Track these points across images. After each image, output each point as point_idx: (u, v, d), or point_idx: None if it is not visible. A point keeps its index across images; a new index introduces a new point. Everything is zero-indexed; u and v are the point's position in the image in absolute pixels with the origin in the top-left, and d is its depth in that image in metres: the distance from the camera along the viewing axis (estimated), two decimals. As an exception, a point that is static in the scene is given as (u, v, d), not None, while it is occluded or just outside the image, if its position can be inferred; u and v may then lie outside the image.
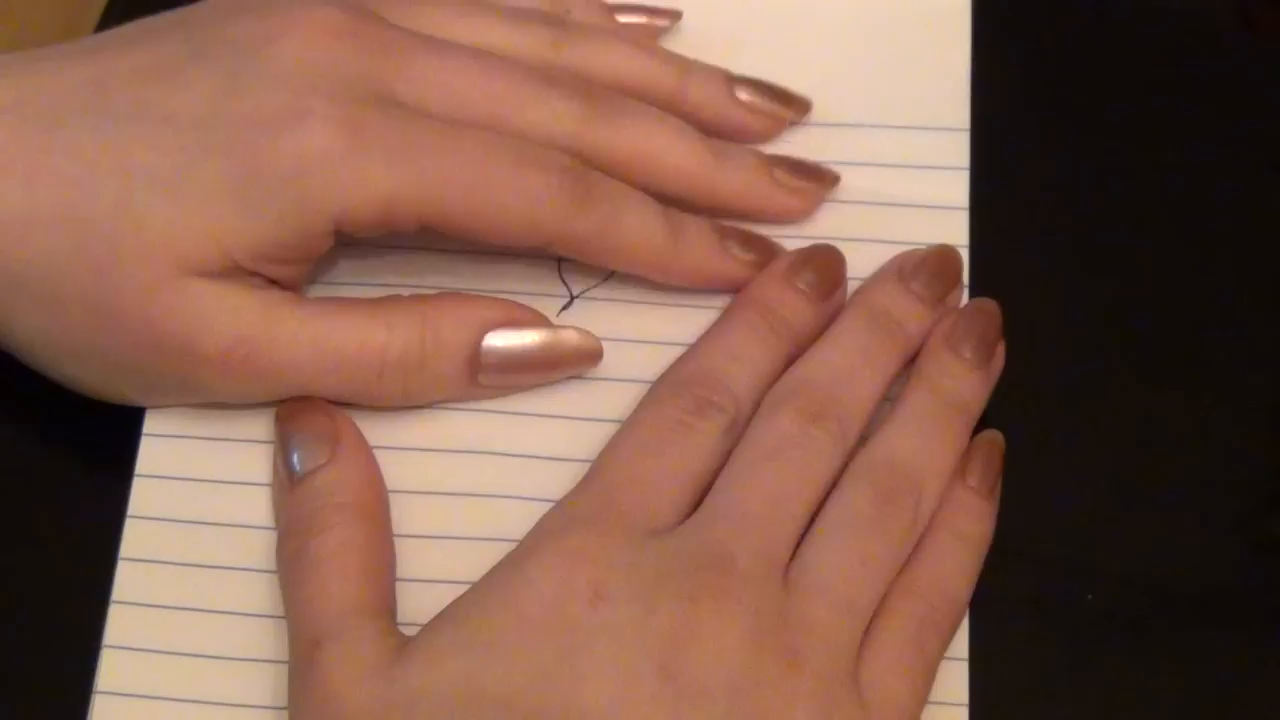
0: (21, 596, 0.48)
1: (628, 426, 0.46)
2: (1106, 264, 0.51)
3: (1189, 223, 0.52)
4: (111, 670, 0.46)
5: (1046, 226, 0.51)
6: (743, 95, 0.51)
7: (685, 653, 0.42)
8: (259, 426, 0.48)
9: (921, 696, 0.44)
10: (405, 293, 0.49)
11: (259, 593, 0.46)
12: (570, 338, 0.48)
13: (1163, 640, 0.47)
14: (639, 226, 0.48)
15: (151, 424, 0.48)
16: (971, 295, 0.49)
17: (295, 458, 0.46)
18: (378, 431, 0.48)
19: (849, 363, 0.47)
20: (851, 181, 0.51)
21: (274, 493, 0.47)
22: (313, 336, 0.46)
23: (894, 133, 0.52)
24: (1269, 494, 0.48)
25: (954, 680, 0.45)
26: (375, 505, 0.46)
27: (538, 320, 0.48)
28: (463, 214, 0.46)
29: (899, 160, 0.51)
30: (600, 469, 0.46)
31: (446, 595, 0.44)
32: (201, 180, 0.45)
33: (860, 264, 0.50)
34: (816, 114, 0.52)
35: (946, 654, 0.45)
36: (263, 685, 0.46)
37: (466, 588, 0.44)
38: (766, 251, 0.49)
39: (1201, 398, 0.49)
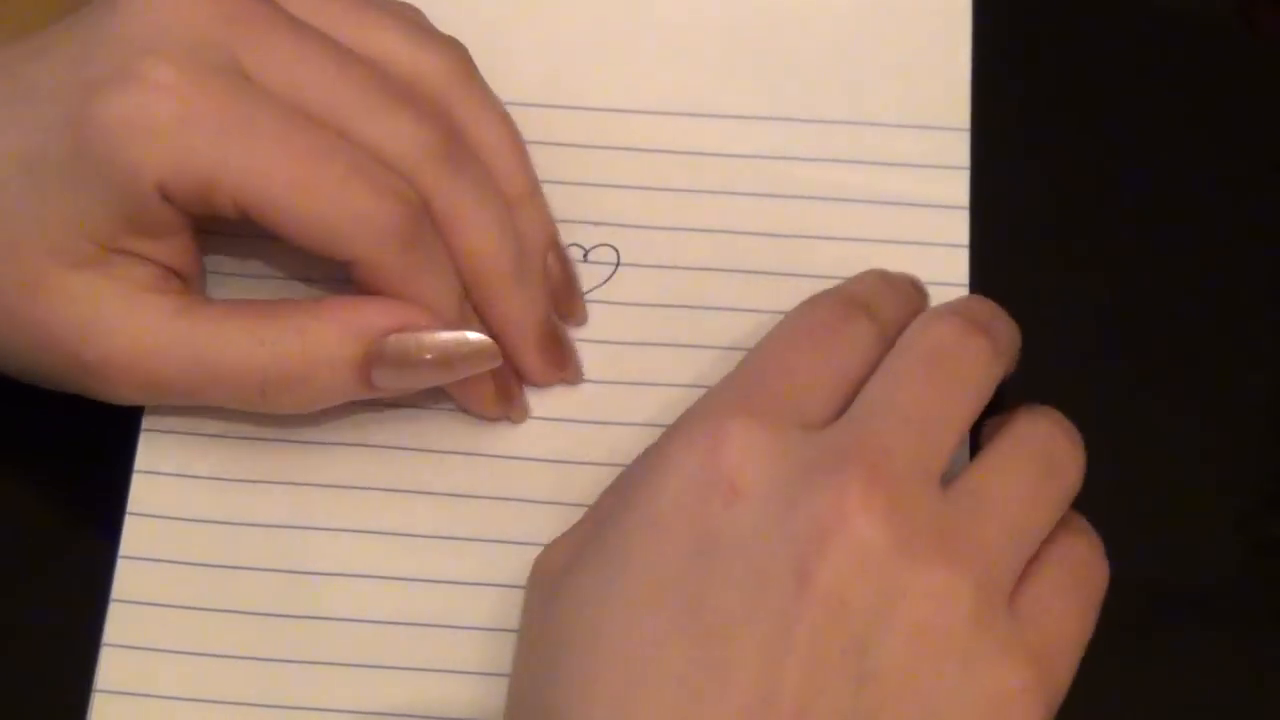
0: (22, 596, 0.48)
1: (777, 327, 0.45)
2: (1106, 264, 0.51)
3: (1189, 222, 0.52)
4: (111, 669, 0.46)
5: (1046, 226, 0.51)
6: (551, 258, 0.49)
7: (824, 556, 0.39)
8: (260, 424, 0.48)
9: (1083, 637, 0.42)
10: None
11: (259, 591, 0.47)
12: (462, 340, 0.46)
13: (1163, 640, 0.47)
14: (445, 292, 0.46)
15: (151, 420, 0.48)
16: (971, 294, 0.49)
17: None
18: (374, 430, 0.48)
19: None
20: (851, 180, 0.51)
21: None
22: (193, 353, 0.45)
23: (894, 131, 0.52)
24: (1269, 494, 0.48)
25: None
26: None
27: (428, 321, 0.46)
28: (280, 212, 0.44)
29: (899, 159, 0.51)
30: (748, 361, 0.44)
31: (454, 595, 0.45)
32: (56, 160, 0.44)
33: (859, 263, 0.49)
34: (816, 112, 0.52)
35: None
36: (262, 683, 0.46)
37: (470, 589, 0.45)
38: (565, 353, 0.49)
39: (1201, 398, 0.49)
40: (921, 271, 0.49)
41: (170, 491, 0.48)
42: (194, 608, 0.46)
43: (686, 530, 0.40)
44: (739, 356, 0.48)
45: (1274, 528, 0.48)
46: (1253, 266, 0.51)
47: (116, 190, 0.44)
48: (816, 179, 0.51)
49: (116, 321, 0.45)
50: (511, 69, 0.52)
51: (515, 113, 0.50)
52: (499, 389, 0.48)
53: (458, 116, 0.47)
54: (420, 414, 0.48)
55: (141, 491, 0.48)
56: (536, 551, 0.45)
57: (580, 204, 0.51)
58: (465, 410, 0.48)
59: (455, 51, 0.48)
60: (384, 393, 0.46)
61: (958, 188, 0.51)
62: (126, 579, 0.47)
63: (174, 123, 0.43)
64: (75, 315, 0.45)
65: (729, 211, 0.51)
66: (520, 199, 0.48)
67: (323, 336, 0.45)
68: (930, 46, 0.53)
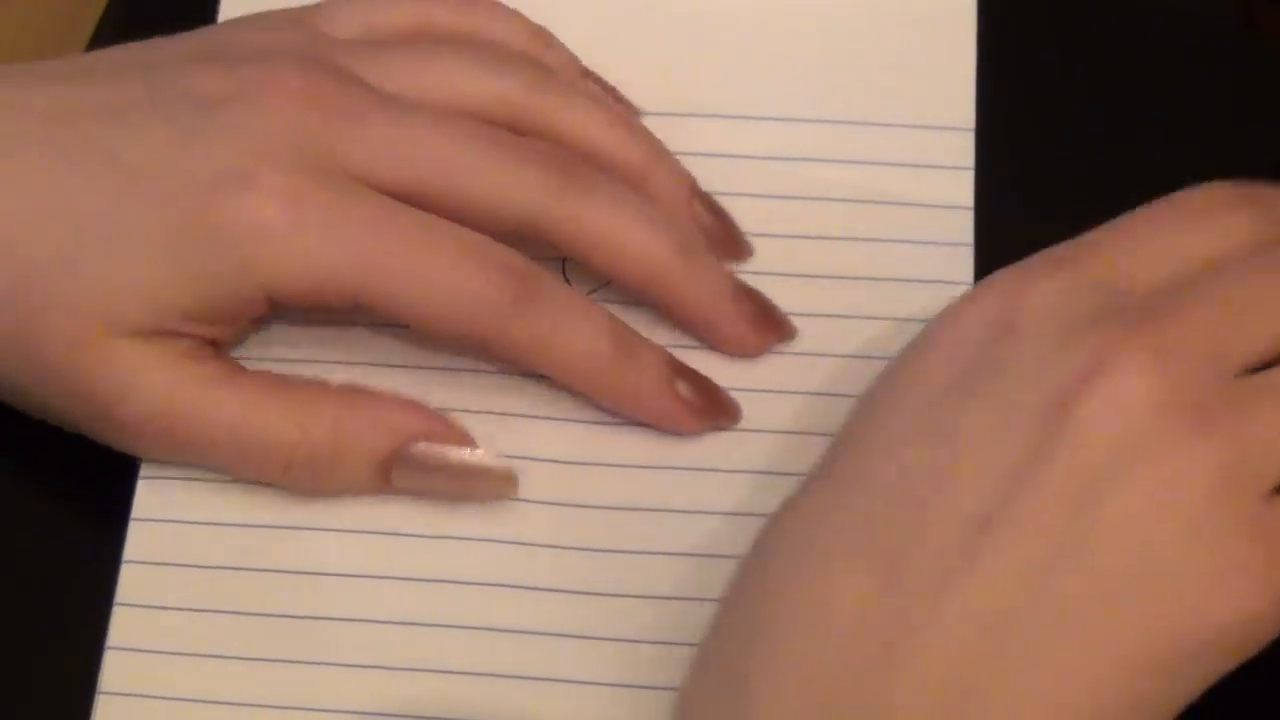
0: (25, 598, 0.48)
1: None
2: None
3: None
4: (115, 671, 0.46)
5: (1050, 225, 0.51)
6: (697, 208, 0.50)
7: (1081, 395, 0.39)
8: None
9: None
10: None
11: (262, 592, 0.47)
12: (486, 462, 0.47)
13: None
14: (581, 343, 0.46)
15: None
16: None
17: None
18: None
19: None
20: (855, 180, 0.51)
21: None
22: (228, 422, 0.46)
23: (898, 131, 0.52)
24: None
25: None
26: None
27: (456, 436, 0.47)
28: (396, 301, 0.45)
29: (903, 159, 0.51)
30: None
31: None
32: (140, 234, 0.44)
33: (862, 264, 0.50)
34: (819, 112, 0.52)
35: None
36: (267, 684, 0.46)
37: (475, 588, 0.45)
38: (714, 401, 0.48)
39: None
40: (925, 271, 0.50)
41: (174, 494, 0.48)
42: (198, 609, 0.47)
43: (959, 360, 0.41)
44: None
45: None
46: None
47: (223, 286, 0.45)
48: (819, 179, 0.51)
49: (156, 386, 0.45)
50: None
51: None
52: (703, 401, 0.48)
53: (553, 123, 0.48)
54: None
55: (146, 495, 0.48)
56: (540, 551, 0.46)
57: None
58: (672, 430, 0.48)
59: (523, 63, 0.49)
60: (398, 491, 0.47)
61: (962, 187, 0.51)
62: (130, 582, 0.47)
63: (287, 229, 0.44)
64: (115, 375, 0.45)
65: (734, 211, 0.50)
66: (645, 167, 0.49)
67: (355, 431, 0.46)
68: (934, 46, 0.53)
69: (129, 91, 0.46)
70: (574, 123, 0.48)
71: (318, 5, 0.50)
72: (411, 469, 0.46)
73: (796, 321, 0.49)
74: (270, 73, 0.46)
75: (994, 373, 0.41)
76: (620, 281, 0.48)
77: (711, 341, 0.49)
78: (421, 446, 0.46)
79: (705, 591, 0.46)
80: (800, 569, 0.40)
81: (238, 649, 0.46)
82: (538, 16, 0.52)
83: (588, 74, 0.51)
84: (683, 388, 0.48)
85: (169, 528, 0.47)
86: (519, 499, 0.47)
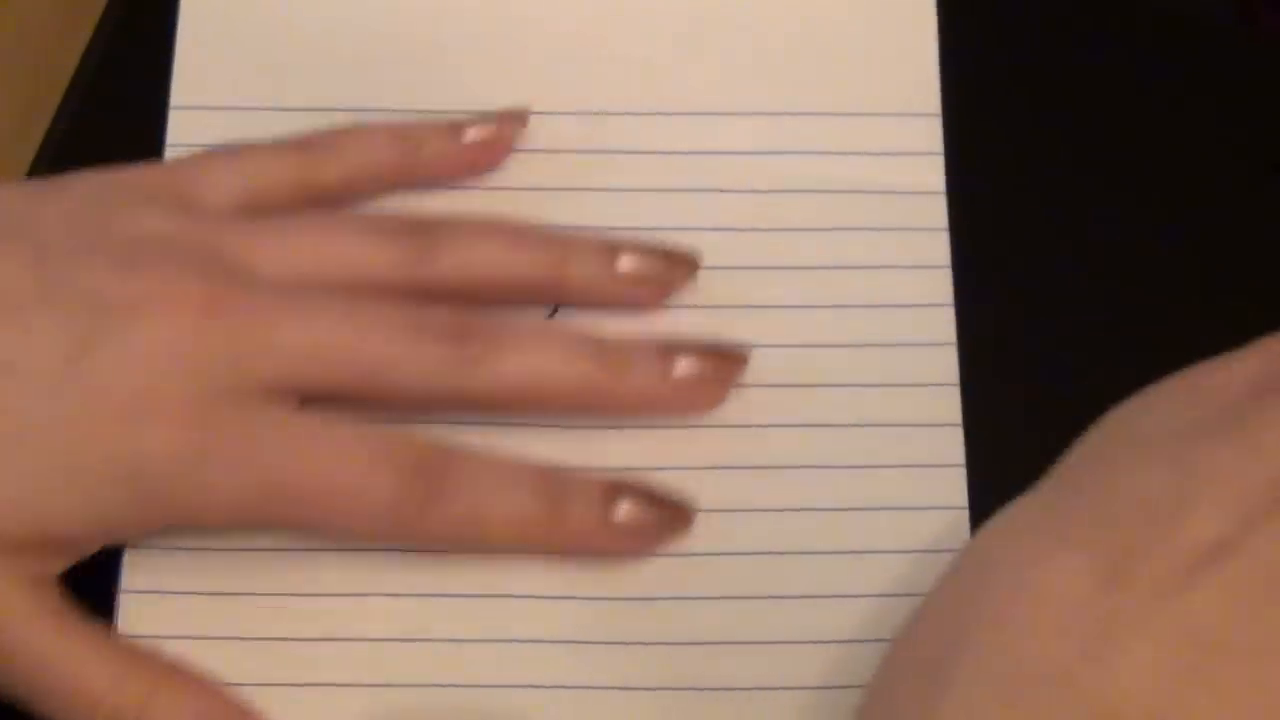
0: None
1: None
2: (1107, 263, 0.51)
3: (1188, 222, 0.52)
4: (136, 562, 0.46)
5: (1026, 209, 0.52)
6: (626, 266, 0.49)
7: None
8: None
9: None
10: None
11: (268, 574, 0.47)
12: None
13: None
14: (505, 511, 0.45)
15: None
16: (955, 282, 0.50)
17: None
18: None
19: None
20: (825, 170, 0.51)
21: None
22: (45, 654, 0.44)
23: (864, 120, 0.52)
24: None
25: None
26: None
27: None
28: (309, 521, 0.45)
29: (871, 148, 0.51)
30: None
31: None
32: (30, 447, 0.43)
33: (838, 252, 0.50)
34: (786, 105, 0.52)
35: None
36: (273, 664, 0.46)
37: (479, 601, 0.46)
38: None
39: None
40: (903, 257, 0.50)
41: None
42: (204, 593, 0.46)
43: (1218, 404, 0.42)
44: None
45: None
46: (1252, 266, 0.51)
47: (118, 513, 0.43)
48: (790, 172, 0.51)
49: None
50: (505, 76, 0.52)
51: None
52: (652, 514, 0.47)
53: (453, 273, 0.47)
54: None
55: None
56: (546, 563, 0.46)
57: (562, 208, 0.51)
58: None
59: (411, 225, 0.48)
60: None
61: (933, 173, 0.51)
62: (134, 567, 0.47)
63: (192, 461, 0.43)
64: None
65: (708, 208, 0.51)
66: (559, 267, 0.48)
67: (164, 707, 0.44)
68: (896, 32, 0.53)
69: (18, 283, 0.44)
70: (472, 266, 0.47)
71: (196, 166, 0.48)
72: None
73: (777, 314, 0.50)
74: (170, 285, 0.44)
75: (1251, 423, 0.41)
76: (554, 414, 0.47)
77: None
78: None
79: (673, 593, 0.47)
80: (1019, 555, 0.40)
81: (239, 675, 0.46)
82: (517, 23, 0.53)
83: (452, 131, 0.50)
84: (622, 511, 0.46)
85: (167, 556, 0.47)
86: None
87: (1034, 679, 0.38)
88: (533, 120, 0.51)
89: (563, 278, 0.48)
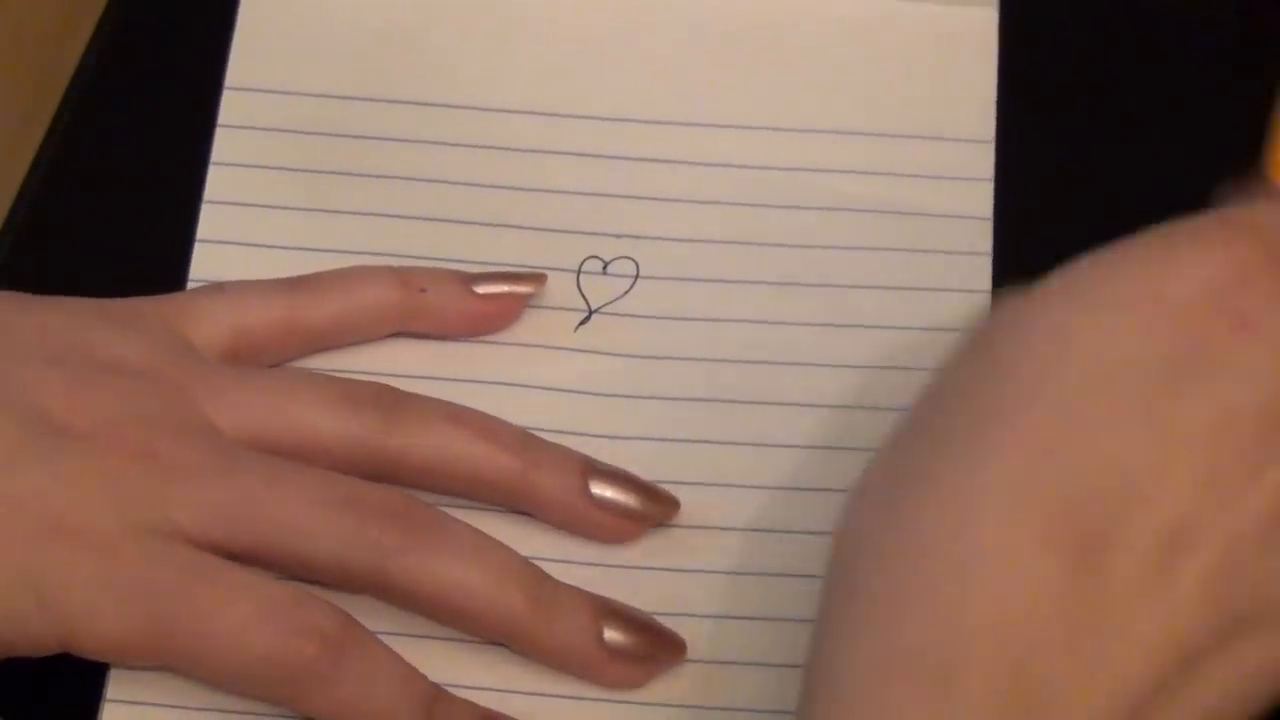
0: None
1: None
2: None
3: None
4: (121, 678, 0.46)
5: (1065, 229, 0.51)
6: (599, 492, 0.47)
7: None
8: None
9: None
10: None
11: None
12: None
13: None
14: (386, 701, 0.44)
15: None
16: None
17: None
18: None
19: None
20: (875, 191, 0.51)
21: None
22: None
23: (918, 143, 0.52)
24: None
25: None
26: None
27: None
28: (194, 668, 0.44)
29: (922, 171, 0.51)
30: None
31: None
32: None
33: (882, 274, 0.50)
34: (838, 123, 0.52)
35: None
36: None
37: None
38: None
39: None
40: (944, 280, 0.50)
41: None
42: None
43: (1171, 339, 0.38)
44: (760, 370, 0.49)
45: None
46: None
47: (15, 623, 0.43)
48: (838, 190, 0.51)
49: None
50: (528, 78, 0.52)
51: (532, 122, 0.51)
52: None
53: (411, 458, 0.46)
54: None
55: None
56: (551, 565, 0.46)
57: (600, 215, 0.51)
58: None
59: (381, 399, 0.47)
60: None
61: (982, 199, 0.51)
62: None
63: (90, 583, 0.43)
64: None
65: (750, 223, 0.50)
66: (523, 473, 0.46)
67: None
68: (956, 57, 0.52)
69: None
70: (433, 451, 0.46)
71: (188, 301, 0.48)
72: None
73: (816, 332, 0.49)
74: (113, 424, 0.45)
75: (1220, 368, 0.38)
76: (472, 633, 0.46)
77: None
78: None
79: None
80: (978, 541, 0.37)
81: None
82: (558, 26, 0.53)
83: (461, 281, 0.50)
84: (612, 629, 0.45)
85: None
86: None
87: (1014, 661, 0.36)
88: (574, 125, 0.52)
89: (528, 484, 0.46)
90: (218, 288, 0.49)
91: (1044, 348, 0.38)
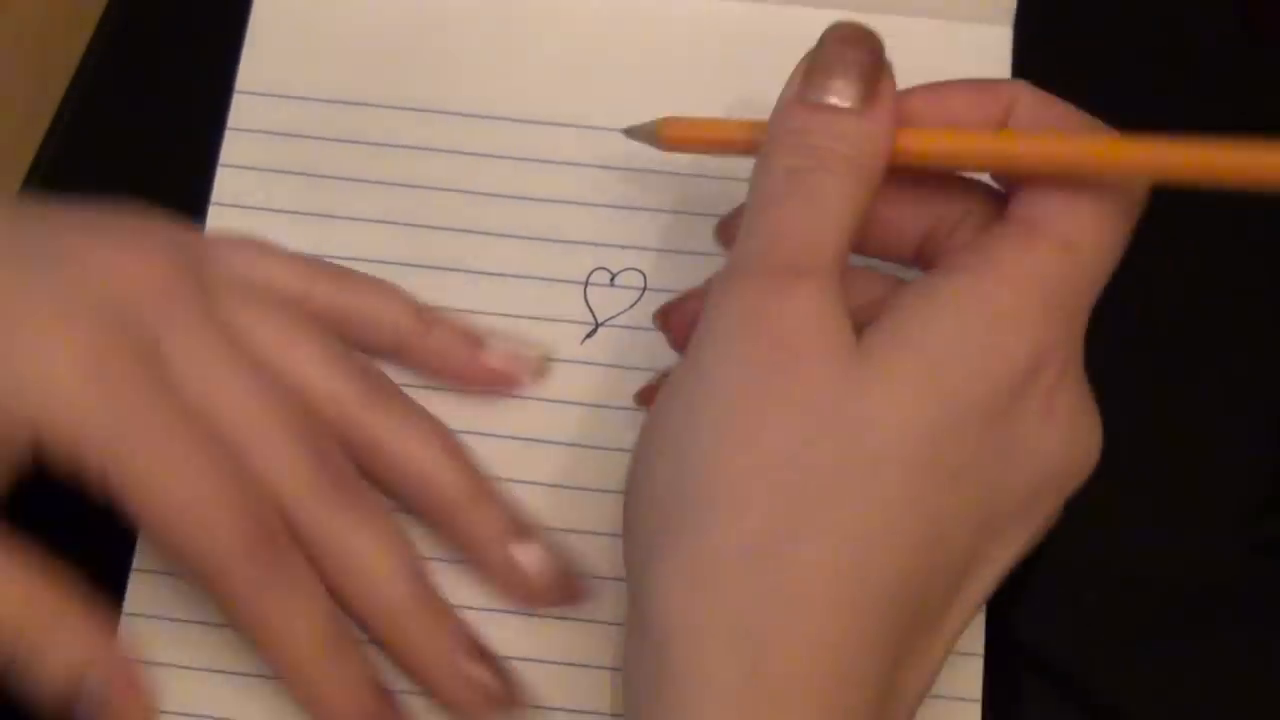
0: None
1: None
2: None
3: (1188, 223, 0.51)
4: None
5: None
6: (522, 556, 0.47)
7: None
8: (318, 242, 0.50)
9: None
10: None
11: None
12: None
13: (1163, 640, 0.47)
14: (300, 626, 0.44)
15: None
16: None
17: (831, 84, 0.43)
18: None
19: None
20: None
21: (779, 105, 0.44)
22: None
23: None
24: (1269, 494, 0.49)
25: (968, 675, 0.46)
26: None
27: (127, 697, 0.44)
28: (136, 496, 0.43)
29: None
30: None
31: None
32: None
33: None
34: None
35: (962, 649, 0.44)
36: (274, 700, 0.46)
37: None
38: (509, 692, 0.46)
39: (1202, 398, 0.50)
40: None
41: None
42: (207, 623, 0.46)
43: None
44: None
45: (1274, 528, 0.48)
46: (1253, 267, 0.51)
47: None
48: None
49: None
50: (536, 86, 0.52)
51: (540, 132, 0.51)
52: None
53: (378, 439, 0.46)
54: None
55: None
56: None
57: (608, 226, 0.51)
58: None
59: (370, 378, 0.47)
60: None
61: None
62: (138, 593, 0.47)
63: (71, 376, 0.43)
64: None
65: None
66: (464, 499, 0.47)
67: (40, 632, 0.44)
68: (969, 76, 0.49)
69: None
70: (398, 443, 0.46)
71: (211, 238, 0.49)
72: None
73: None
74: (141, 253, 0.45)
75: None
76: (411, 503, 0.47)
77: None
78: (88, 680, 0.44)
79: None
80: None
81: (246, 664, 0.46)
82: (567, 37, 0.53)
83: (473, 343, 0.49)
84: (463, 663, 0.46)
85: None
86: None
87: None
88: (581, 136, 0.52)
89: (461, 509, 0.47)
90: (246, 239, 0.49)
91: None
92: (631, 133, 0.47)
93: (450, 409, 0.48)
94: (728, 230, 0.46)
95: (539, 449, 0.48)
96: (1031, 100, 0.44)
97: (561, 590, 0.47)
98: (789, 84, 0.44)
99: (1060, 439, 0.42)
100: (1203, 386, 0.50)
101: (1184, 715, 0.47)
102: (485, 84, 0.52)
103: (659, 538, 0.40)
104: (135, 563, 0.47)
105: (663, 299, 0.49)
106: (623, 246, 0.51)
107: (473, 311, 0.49)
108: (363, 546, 0.45)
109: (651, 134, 0.47)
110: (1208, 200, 0.51)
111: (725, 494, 0.40)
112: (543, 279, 0.50)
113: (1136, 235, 0.51)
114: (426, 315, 0.49)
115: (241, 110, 0.52)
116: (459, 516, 0.46)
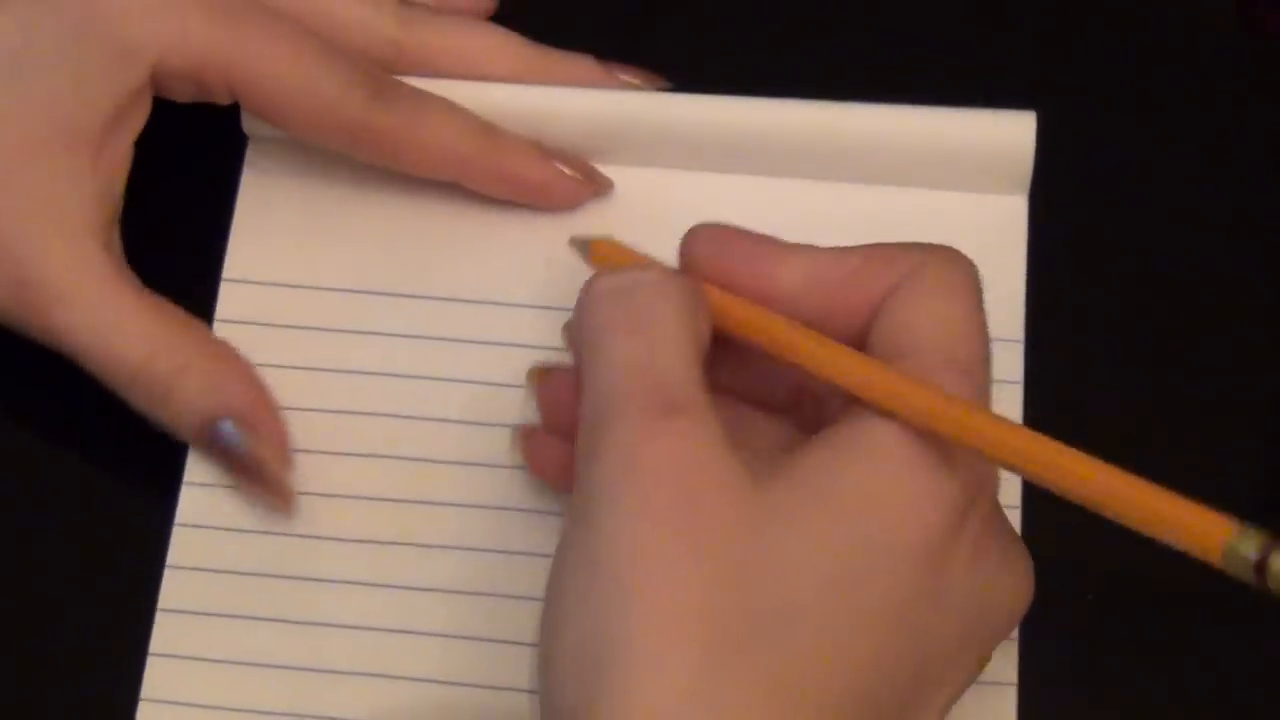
0: (69, 602, 0.49)
1: None
2: (1104, 264, 0.51)
3: (1187, 223, 0.52)
4: (156, 679, 0.47)
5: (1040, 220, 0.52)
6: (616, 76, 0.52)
7: None
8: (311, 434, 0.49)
9: None
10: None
11: (305, 600, 0.48)
12: (272, 473, 0.48)
13: (1163, 640, 0.48)
14: (445, 124, 0.49)
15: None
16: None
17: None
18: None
19: None
20: None
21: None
22: (91, 323, 0.47)
23: None
24: (1269, 494, 0.49)
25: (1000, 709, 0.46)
26: None
27: (270, 431, 0.48)
28: (271, 90, 0.48)
29: None
30: None
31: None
32: (42, 48, 0.47)
33: None
34: None
35: (994, 678, 0.45)
36: (304, 693, 0.47)
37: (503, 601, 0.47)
38: (591, 173, 0.51)
39: (1201, 398, 0.50)
40: None
41: (218, 502, 0.49)
42: (239, 617, 0.48)
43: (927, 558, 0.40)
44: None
45: (1274, 527, 0.48)
46: (1252, 266, 0.51)
47: (113, 69, 0.47)
48: None
49: (41, 256, 0.47)
50: (545, 273, 0.51)
51: (538, 315, 0.50)
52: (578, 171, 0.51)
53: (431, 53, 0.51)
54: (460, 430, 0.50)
55: (189, 504, 0.49)
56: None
57: None
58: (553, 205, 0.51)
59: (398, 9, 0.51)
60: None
61: (1011, 402, 0.49)
62: (173, 589, 0.48)
63: (174, 5, 0.47)
64: (9, 231, 0.47)
65: None
66: (532, 62, 0.51)
67: (194, 382, 0.47)
68: (984, 247, 0.46)
69: None
70: (444, 53, 0.51)
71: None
72: (210, 442, 0.48)
73: None
74: None
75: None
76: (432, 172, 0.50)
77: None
78: (227, 426, 0.48)
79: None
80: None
81: (278, 657, 0.48)
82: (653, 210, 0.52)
83: (548, 154, 0.51)
84: (557, 161, 0.50)
85: (213, 534, 0.49)
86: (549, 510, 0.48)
87: None
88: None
89: (496, 158, 0.50)
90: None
91: None
92: (574, 242, 0.48)
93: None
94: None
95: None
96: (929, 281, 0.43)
97: (592, 183, 0.51)
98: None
99: (994, 579, 0.41)
100: (1203, 386, 0.50)
101: (1184, 715, 0.47)
102: (475, 267, 0.51)
103: (583, 705, 0.38)
104: (169, 559, 0.48)
105: None
106: None
107: (467, 506, 0.49)
108: (468, 44, 0.50)
109: (585, 250, 0.47)
110: (1208, 200, 0.52)
111: (646, 650, 0.38)
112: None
113: (1135, 235, 0.52)
114: (493, 130, 0.51)
115: (228, 299, 0.51)
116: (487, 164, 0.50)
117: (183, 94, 0.49)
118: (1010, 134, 0.50)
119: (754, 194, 0.52)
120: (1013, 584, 0.42)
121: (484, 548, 0.48)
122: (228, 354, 0.49)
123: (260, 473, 0.48)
